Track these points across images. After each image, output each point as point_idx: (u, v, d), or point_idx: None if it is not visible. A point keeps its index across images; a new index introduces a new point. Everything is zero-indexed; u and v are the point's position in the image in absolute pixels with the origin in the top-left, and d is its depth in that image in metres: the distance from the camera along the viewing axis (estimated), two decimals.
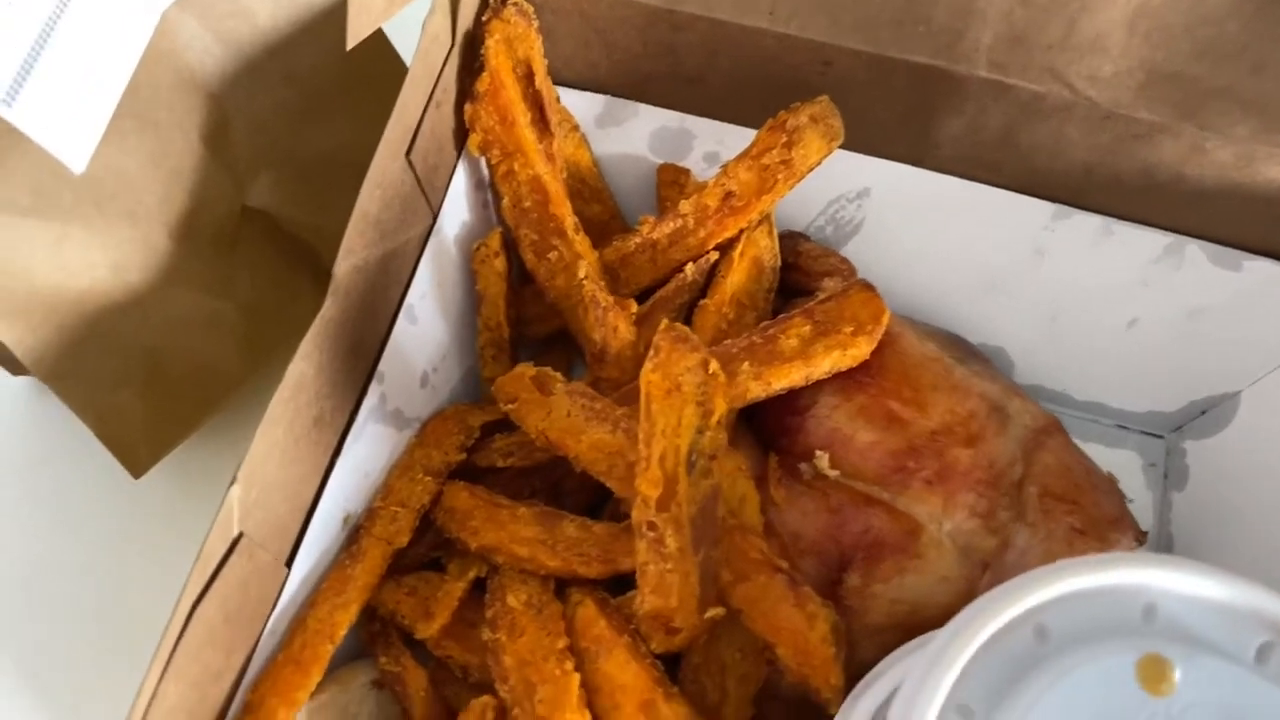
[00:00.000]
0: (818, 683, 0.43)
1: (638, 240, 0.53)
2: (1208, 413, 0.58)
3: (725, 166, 0.51)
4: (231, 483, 0.39)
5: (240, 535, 0.40)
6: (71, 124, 0.42)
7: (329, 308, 0.43)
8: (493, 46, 0.49)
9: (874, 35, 0.48)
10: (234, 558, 0.40)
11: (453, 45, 0.49)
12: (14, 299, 0.42)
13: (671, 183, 0.56)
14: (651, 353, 0.42)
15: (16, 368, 0.59)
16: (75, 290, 0.44)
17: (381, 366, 0.48)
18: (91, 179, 0.44)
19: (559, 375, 0.49)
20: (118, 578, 0.56)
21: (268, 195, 0.53)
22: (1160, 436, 0.60)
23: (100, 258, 0.44)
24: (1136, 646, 0.32)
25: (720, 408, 0.43)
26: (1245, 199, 0.49)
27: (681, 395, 0.42)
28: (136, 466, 0.51)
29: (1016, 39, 0.47)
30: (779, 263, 0.54)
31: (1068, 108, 0.48)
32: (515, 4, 0.50)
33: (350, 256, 0.44)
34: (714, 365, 0.43)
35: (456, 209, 0.53)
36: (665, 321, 0.43)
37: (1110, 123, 0.48)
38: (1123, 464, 0.57)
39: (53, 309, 0.44)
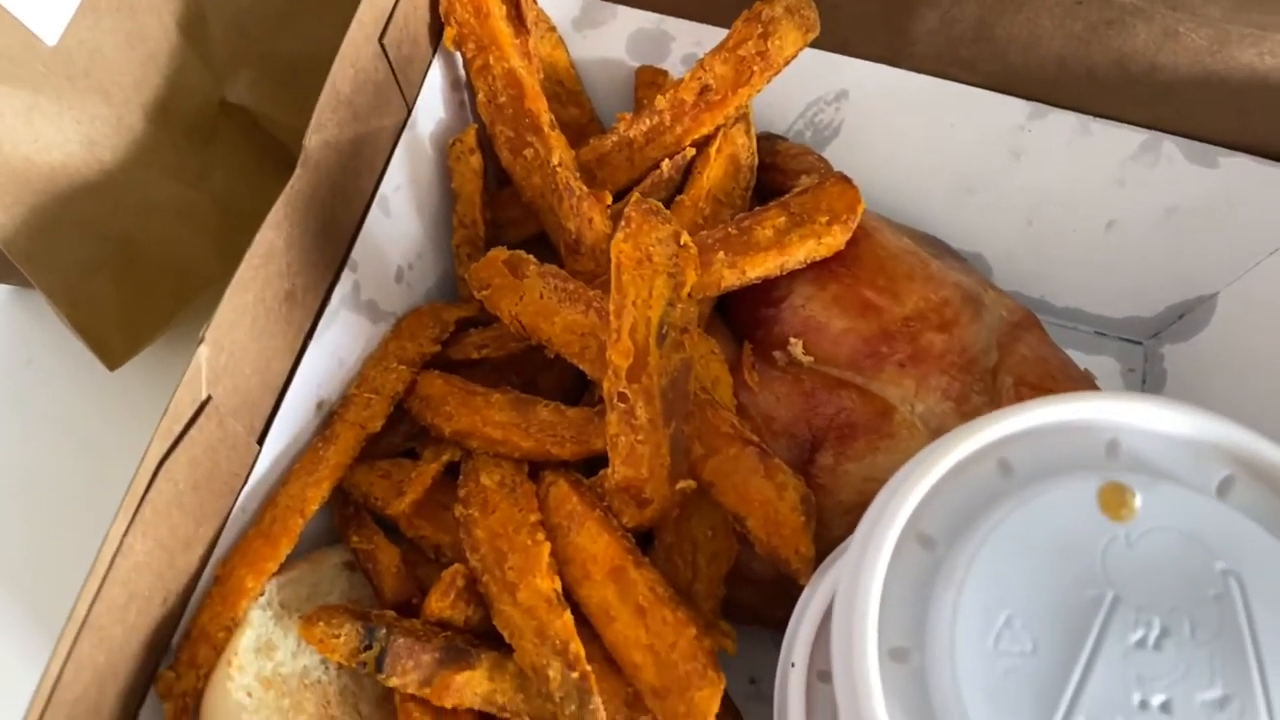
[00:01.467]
0: (787, 553, 0.43)
1: (614, 139, 0.53)
2: (1185, 316, 0.58)
3: (701, 60, 0.51)
4: (199, 342, 0.39)
5: (209, 398, 0.40)
6: None
7: (298, 178, 0.43)
8: None
9: None
10: (202, 420, 0.40)
11: None
12: None
13: (649, 84, 0.56)
14: (623, 224, 0.42)
15: None
16: (47, 165, 0.44)
17: (355, 255, 0.48)
18: (64, 52, 0.44)
19: (531, 258, 0.49)
20: (100, 476, 0.55)
21: (246, 93, 0.53)
22: (1139, 343, 0.60)
23: (73, 132, 0.44)
24: (1099, 476, 0.32)
25: (691, 279, 0.43)
26: (1219, 87, 0.49)
27: (652, 266, 0.42)
28: (111, 358, 0.51)
29: None
30: (756, 161, 0.54)
31: None
32: None
33: (321, 131, 0.44)
34: (685, 237, 0.43)
35: (432, 106, 0.53)
36: (636, 195, 0.43)
37: (1083, 9, 0.48)
38: (1101, 369, 0.57)
39: (25, 185, 0.44)
